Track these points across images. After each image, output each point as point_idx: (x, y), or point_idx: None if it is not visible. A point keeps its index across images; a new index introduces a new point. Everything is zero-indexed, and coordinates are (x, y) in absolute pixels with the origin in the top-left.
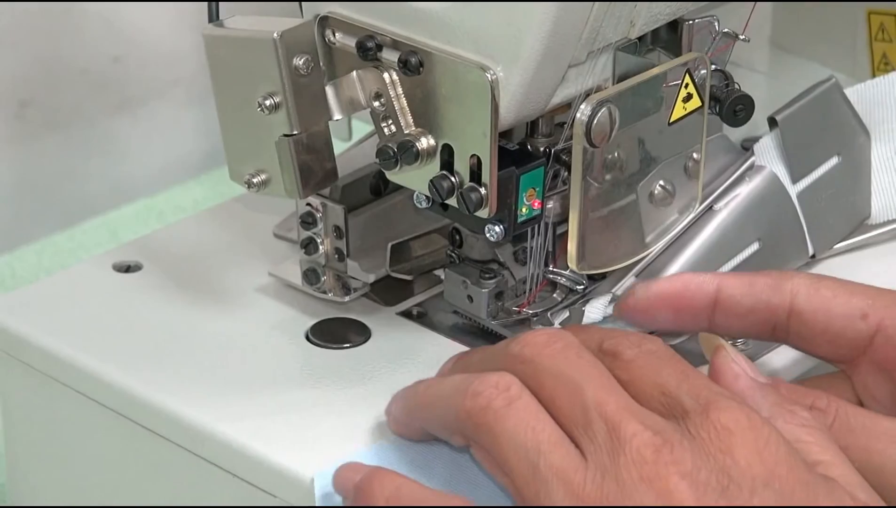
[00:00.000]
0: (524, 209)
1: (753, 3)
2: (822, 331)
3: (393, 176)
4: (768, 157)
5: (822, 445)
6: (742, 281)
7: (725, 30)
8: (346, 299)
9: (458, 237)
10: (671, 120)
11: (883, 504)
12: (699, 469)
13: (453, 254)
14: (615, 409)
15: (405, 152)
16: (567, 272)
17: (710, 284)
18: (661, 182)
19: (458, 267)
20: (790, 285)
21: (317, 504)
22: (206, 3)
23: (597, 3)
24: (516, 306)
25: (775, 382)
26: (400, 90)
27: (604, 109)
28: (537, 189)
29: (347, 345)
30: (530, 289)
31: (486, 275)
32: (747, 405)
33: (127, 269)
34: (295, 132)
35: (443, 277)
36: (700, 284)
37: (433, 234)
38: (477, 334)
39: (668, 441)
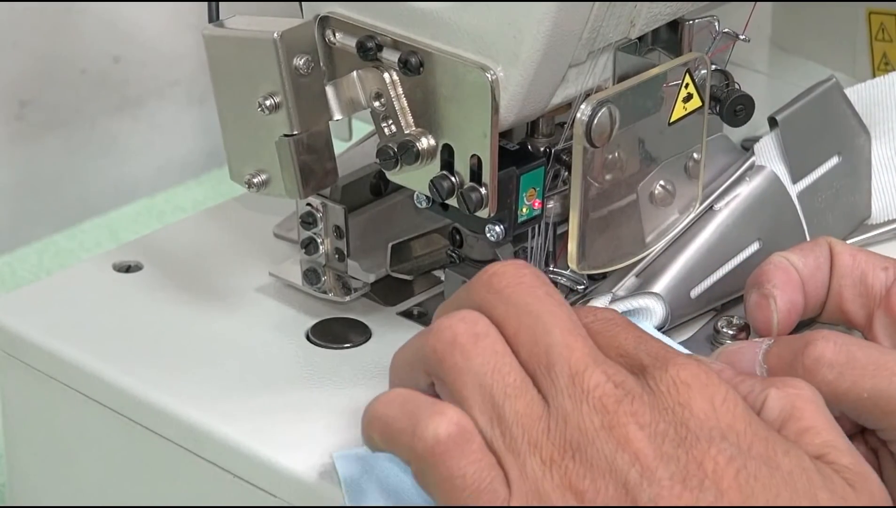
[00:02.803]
0: (524, 209)
1: (753, 2)
2: (850, 273)
3: (393, 176)
4: (768, 157)
5: (814, 413)
6: (795, 252)
7: (725, 30)
8: (347, 299)
9: (458, 237)
10: (671, 120)
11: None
12: (657, 421)
13: (453, 254)
14: (580, 356)
15: (405, 152)
16: (567, 272)
17: (790, 266)
18: (662, 182)
19: (459, 267)
20: (824, 239)
21: (341, 484)
22: (206, 3)
23: (597, 3)
24: None
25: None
26: (400, 90)
27: (604, 109)
28: (537, 189)
29: (348, 345)
30: None
31: None
32: (704, 364)
33: (127, 269)
34: (295, 132)
35: (443, 277)
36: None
37: (433, 234)
38: None
39: (629, 394)
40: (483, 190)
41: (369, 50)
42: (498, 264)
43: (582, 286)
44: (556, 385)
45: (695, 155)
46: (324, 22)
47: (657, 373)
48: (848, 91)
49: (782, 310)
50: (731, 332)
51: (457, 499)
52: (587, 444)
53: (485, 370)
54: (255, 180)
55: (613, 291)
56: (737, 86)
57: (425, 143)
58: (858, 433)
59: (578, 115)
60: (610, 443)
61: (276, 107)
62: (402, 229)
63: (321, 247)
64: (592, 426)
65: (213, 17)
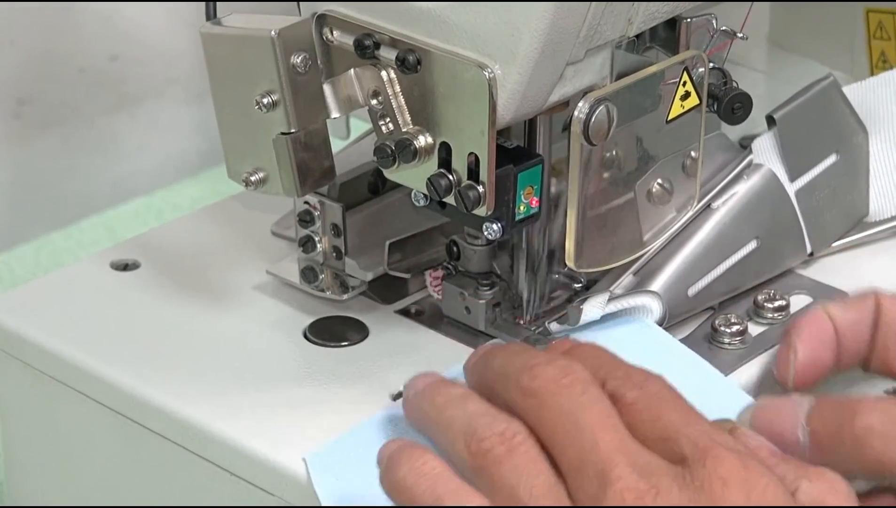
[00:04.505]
0: (522, 207)
1: (751, 1)
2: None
3: (391, 174)
4: (766, 155)
5: None
6: (838, 303)
7: (723, 28)
8: (345, 297)
9: (455, 250)
10: (669, 118)
11: None
12: None
13: (450, 266)
14: (608, 449)
15: (403, 151)
16: (565, 271)
17: (827, 320)
18: (660, 180)
19: (456, 278)
20: (873, 292)
21: (313, 485)
22: (203, 2)
23: (594, 1)
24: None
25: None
26: (398, 88)
27: (602, 107)
28: (535, 187)
29: (346, 343)
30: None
31: (484, 286)
32: (747, 454)
33: (125, 267)
34: (293, 130)
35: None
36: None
37: (431, 232)
38: (475, 332)
39: (653, 487)
40: (480, 188)
41: (367, 48)
42: (540, 368)
43: (580, 285)
44: (582, 489)
45: (692, 153)
46: (321, 20)
47: (695, 466)
48: (846, 89)
49: (801, 363)
50: (729, 331)
51: None
52: None
53: (514, 473)
54: (253, 178)
55: (611, 289)
56: (735, 84)
57: (423, 141)
58: None
59: (576, 113)
60: None
61: (274, 105)
62: (399, 227)
63: (319, 245)
64: None
65: (211, 16)
